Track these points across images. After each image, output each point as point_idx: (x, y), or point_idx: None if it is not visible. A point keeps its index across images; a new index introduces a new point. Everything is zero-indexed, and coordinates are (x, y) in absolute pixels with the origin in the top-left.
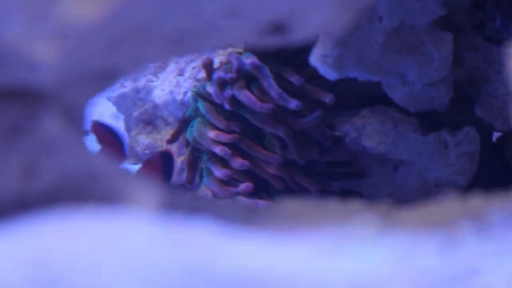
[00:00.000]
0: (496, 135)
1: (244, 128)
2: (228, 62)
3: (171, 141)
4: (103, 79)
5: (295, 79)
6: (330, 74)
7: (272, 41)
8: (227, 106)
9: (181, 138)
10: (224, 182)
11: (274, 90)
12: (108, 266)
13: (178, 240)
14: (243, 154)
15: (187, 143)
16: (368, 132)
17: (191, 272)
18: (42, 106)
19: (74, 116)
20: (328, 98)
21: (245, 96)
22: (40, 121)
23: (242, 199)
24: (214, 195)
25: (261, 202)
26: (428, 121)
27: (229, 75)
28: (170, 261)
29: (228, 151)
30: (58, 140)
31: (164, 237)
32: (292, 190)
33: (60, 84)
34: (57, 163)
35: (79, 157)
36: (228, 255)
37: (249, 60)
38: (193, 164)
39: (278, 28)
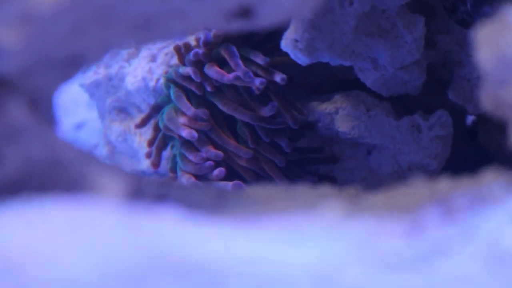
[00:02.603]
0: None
1: (216, 115)
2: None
3: (140, 125)
4: (69, 65)
5: (260, 59)
6: (301, 58)
7: (240, 25)
8: (208, 88)
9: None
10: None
11: (240, 69)
12: (68, 253)
13: (140, 228)
14: (215, 143)
15: (156, 128)
16: (341, 117)
17: (152, 258)
18: (6, 93)
19: (41, 103)
20: (278, 77)
21: (214, 71)
22: (4, 108)
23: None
24: (194, 176)
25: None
26: (401, 105)
27: (201, 50)
28: (131, 248)
29: (195, 133)
30: (23, 127)
31: (126, 225)
32: (265, 178)
33: (25, 71)
34: (22, 150)
35: (44, 144)
36: (191, 242)
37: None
38: (162, 149)
39: (245, 11)
